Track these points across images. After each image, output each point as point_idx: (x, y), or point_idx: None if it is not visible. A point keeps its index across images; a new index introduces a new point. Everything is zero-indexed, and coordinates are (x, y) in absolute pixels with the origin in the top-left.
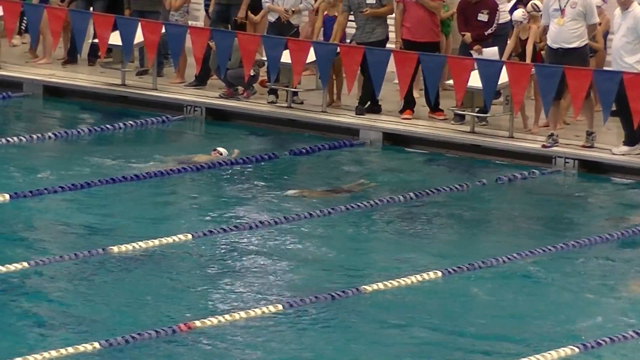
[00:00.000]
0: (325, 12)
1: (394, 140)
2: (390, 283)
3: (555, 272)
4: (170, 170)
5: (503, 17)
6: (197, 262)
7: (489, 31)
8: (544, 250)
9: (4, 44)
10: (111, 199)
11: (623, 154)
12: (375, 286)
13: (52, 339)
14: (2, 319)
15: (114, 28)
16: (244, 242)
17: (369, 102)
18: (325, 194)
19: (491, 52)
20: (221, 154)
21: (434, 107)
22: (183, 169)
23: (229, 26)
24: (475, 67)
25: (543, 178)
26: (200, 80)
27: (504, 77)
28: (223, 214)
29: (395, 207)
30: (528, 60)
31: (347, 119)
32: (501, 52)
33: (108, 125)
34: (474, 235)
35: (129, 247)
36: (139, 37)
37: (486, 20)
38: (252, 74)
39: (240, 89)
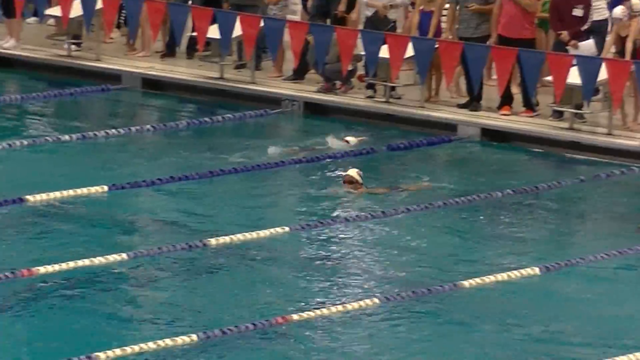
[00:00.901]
0: (422, 7)
1: (492, 136)
2: (487, 278)
3: None
4: (268, 163)
5: (601, 13)
6: (294, 255)
7: (585, 27)
8: None
9: (103, 36)
10: (209, 192)
11: None
12: (472, 281)
13: (150, 331)
14: (101, 310)
15: (213, 21)
16: (341, 236)
17: (471, 98)
18: (385, 190)
19: (588, 46)
20: (348, 142)
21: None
22: (281, 162)
23: (328, 20)
24: (575, 63)
25: None
26: (299, 74)
27: (603, 74)
28: (320, 207)
29: (493, 202)
30: (627, 57)
31: (445, 114)
32: (599, 49)
33: (206, 119)
34: (572, 232)
35: (227, 239)
36: (237, 30)
37: (581, 15)
38: (350, 69)
39: (338, 83)
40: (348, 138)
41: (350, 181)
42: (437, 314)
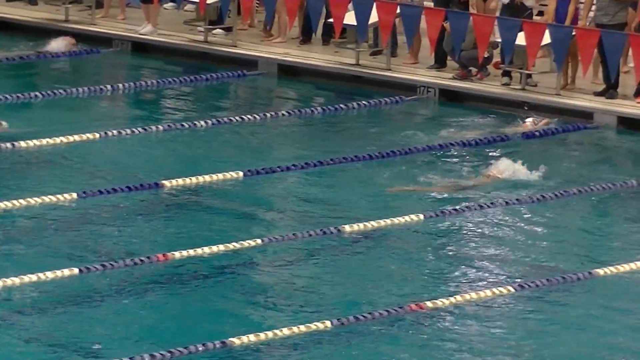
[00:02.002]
0: None
1: (629, 124)
2: (622, 267)
3: None
4: (402, 150)
5: None
6: (428, 242)
7: None
8: None
9: (240, 23)
10: (343, 178)
11: None
12: (607, 269)
13: (284, 317)
14: (235, 296)
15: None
16: (475, 223)
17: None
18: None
19: None
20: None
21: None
22: (415, 148)
23: (449, 6)
24: None
25: None
26: (440, 63)
27: None
28: (454, 195)
29: (628, 191)
30: None
31: (581, 102)
32: None
33: (341, 105)
34: None
35: (361, 226)
36: (373, 17)
37: None
38: (486, 56)
39: (474, 70)
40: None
41: None
42: (572, 302)
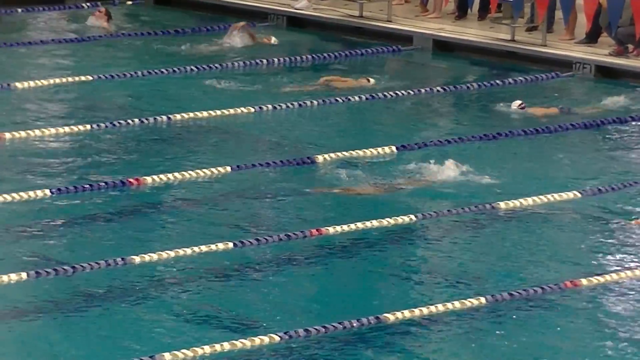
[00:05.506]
0: None
1: None
2: None
3: None
4: (557, 127)
5: None
6: (584, 219)
7: None
8: None
9: None
10: (498, 154)
11: None
12: None
13: (438, 293)
14: (388, 272)
15: None
16: (633, 202)
17: None
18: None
19: None
20: None
21: None
22: (571, 125)
23: None
24: None
25: None
26: (591, 37)
27: None
28: (610, 172)
29: None
30: None
31: None
32: None
33: (497, 81)
34: None
35: (517, 203)
36: None
37: None
38: None
39: (631, 47)
40: None
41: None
42: None
